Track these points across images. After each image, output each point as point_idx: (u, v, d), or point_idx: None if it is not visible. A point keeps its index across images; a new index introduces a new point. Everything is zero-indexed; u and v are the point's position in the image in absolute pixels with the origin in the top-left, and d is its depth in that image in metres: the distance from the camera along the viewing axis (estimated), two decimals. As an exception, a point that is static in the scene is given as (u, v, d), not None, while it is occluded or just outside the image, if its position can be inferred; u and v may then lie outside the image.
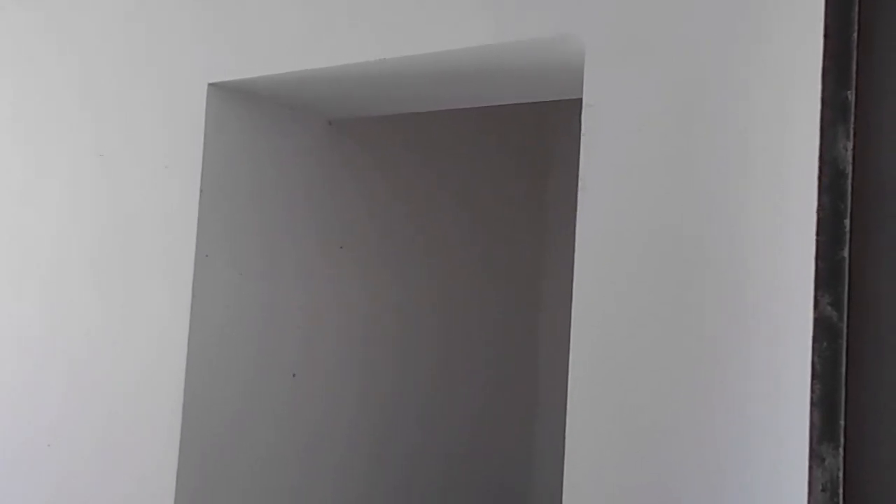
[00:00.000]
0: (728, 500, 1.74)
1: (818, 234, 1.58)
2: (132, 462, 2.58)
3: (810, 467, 1.55)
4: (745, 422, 1.74)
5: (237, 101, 2.59)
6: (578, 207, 1.95)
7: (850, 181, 1.56)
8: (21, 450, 2.82)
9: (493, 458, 3.34)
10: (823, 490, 1.53)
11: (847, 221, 1.56)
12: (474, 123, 3.21)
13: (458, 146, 3.22)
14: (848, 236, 1.55)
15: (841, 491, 1.52)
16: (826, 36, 1.60)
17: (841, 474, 1.52)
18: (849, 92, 1.57)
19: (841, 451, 1.53)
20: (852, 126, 1.56)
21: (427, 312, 3.12)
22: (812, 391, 1.56)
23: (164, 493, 2.48)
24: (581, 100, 1.98)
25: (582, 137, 1.96)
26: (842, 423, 1.53)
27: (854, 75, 1.57)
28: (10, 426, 2.87)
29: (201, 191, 2.51)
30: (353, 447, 2.91)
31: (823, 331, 1.56)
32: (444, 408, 3.17)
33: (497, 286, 3.35)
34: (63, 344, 2.77)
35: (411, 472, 3.09)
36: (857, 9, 1.59)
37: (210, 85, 2.53)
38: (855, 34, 1.58)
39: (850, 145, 1.56)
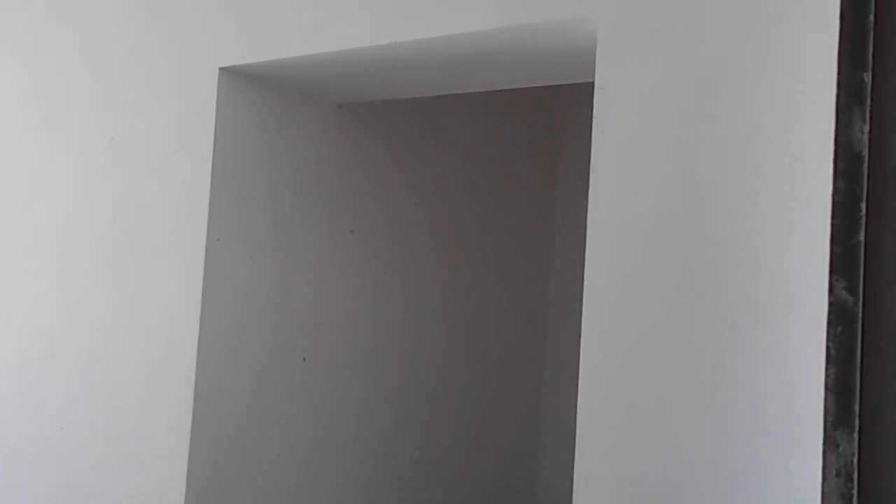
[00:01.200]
0: (741, 485, 1.74)
1: (833, 217, 1.56)
2: (143, 447, 2.58)
3: (824, 452, 1.54)
4: (757, 407, 1.73)
5: (248, 86, 2.58)
6: (590, 191, 1.94)
7: (866, 164, 1.54)
8: (33, 433, 2.83)
9: (501, 443, 3.34)
10: (838, 475, 1.52)
11: (863, 205, 1.54)
12: (484, 107, 3.19)
13: (468, 130, 3.21)
14: (864, 220, 1.53)
15: (855, 476, 1.52)
16: (842, 18, 1.59)
17: (855, 459, 1.51)
18: (865, 73, 1.55)
19: (856, 436, 1.52)
20: (868, 109, 1.55)
21: (436, 297, 3.12)
22: (826, 376, 1.55)
23: (176, 475, 2.49)
24: (592, 83, 1.97)
25: (593, 121, 1.95)
26: (856, 408, 1.52)
27: (870, 57, 1.56)
28: (24, 411, 2.87)
29: (212, 175, 2.51)
30: (363, 431, 2.91)
31: (838, 315, 1.55)
32: (453, 391, 3.17)
33: (505, 272, 3.34)
34: (74, 328, 2.78)
35: (421, 456, 3.09)
36: (873, -10, 1.57)
37: (221, 69, 2.52)
38: (871, 15, 1.57)
39: (867, 128, 1.55)
